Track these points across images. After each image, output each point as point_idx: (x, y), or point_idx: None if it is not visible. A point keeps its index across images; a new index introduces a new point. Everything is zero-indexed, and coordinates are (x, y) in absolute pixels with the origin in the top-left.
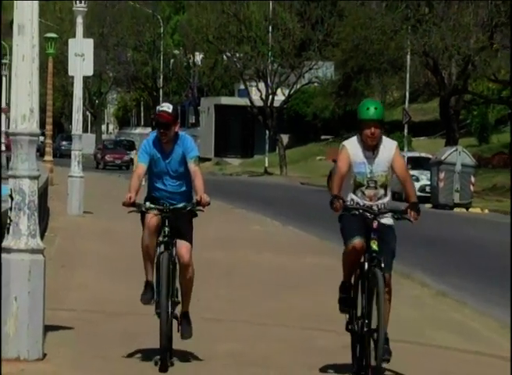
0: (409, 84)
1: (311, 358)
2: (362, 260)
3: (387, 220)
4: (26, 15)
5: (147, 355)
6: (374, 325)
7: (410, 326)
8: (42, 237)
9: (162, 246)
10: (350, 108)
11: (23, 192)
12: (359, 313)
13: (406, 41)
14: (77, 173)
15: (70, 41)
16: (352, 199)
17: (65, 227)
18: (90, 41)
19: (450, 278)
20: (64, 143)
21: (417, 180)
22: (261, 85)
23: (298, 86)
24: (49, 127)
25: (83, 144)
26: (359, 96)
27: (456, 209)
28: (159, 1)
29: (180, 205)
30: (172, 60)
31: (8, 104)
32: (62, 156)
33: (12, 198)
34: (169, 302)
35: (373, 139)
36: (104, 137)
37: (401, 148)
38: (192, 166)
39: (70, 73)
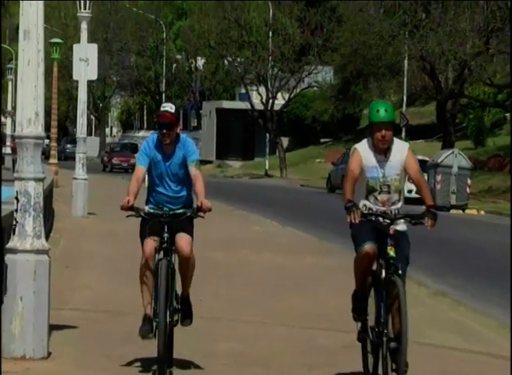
0: (406, 88)
1: (311, 357)
2: (374, 268)
3: (401, 226)
4: (31, 20)
5: (150, 354)
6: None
7: (409, 326)
8: (47, 238)
9: (161, 253)
10: (348, 111)
11: (28, 194)
12: (372, 322)
13: (403, 46)
14: (81, 176)
15: (75, 46)
16: (365, 205)
17: (69, 228)
18: (95, 46)
19: (449, 278)
20: (69, 146)
21: None
22: (262, 89)
23: (298, 90)
24: (54, 130)
25: (87, 147)
26: (357, 100)
27: (452, 211)
28: (162, 8)
29: (180, 211)
30: (174, 65)
31: (13, 108)
32: (67, 159)
33: (17, 200)
34: (168, 311)
35: (384, 142)
36: (108, 140)
37: None
38: (193, 170)
39: (75, 78)
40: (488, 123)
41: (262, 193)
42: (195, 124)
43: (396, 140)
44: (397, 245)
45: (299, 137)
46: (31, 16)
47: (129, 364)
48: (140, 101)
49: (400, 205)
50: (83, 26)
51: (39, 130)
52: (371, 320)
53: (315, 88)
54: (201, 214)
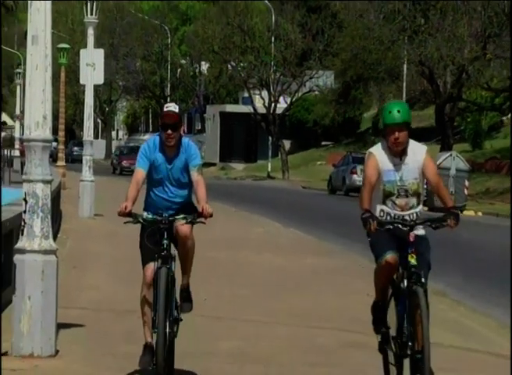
0: (406, 92)
1: (311, 356)
2: (395, 276)
3: (420, 231)
4: (39, 26)
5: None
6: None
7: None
8: (55, 238)
9: (160, 261)
10: (349, 115)
11: (36, 196)
12: (393, 332)
13: (403, 51)
14: (88, 178)
15: (82, 51)
16: (382, 210)
17: (76, 229)
18: (101, 52)
19: (448, 278)
20: (76, 149)
21: None
22: (264, 93)
23: (299, 94)
24: (61, 134)
25: (94, 149)
26: (358, 104)
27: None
28: (167, 14)
29: (180, 217)
30: (179, 69)
31: (22, 111)
32: (74, 161)
33: (26, 201)
34: (167, 321)
35: (398, 144)
36: (114, 143)
37: None
38: (195, 175)
39: (82, 82)
40: (485, 127)
41: (264, 194)
42: (199, 127)
43: (412, 142)
44: (418, 251)
45: (300, 140)
46: (39, 22)
47: (134, 362)
48: (146, 105)
49: (418, 208)
50: (90, 31)
51: (47, 133)
52: (392, 331)
53: (316, 92)
54: (202, 220)
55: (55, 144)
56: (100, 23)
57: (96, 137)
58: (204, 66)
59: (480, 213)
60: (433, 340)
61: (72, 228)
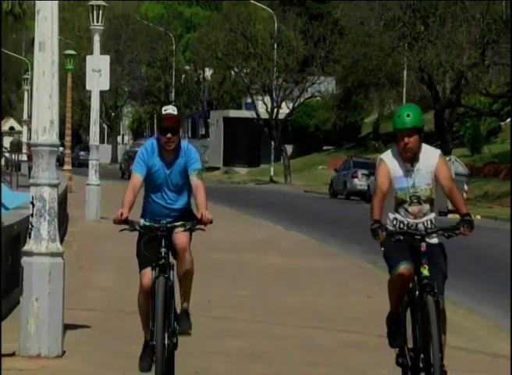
0: (405, 98)
1: (312, 355)
2: (411, 286)
3: (433, 239)
4: (46, 33)
5: None
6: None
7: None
8: (61, 241)
9: (158, 270)
10: (350, 120)
11: (43, 199)
12: (410, 344)
13: (402, 57)
14: (94, 182)
15: (88, 57)
16: (395, 218)
17: (83, 232)
18: (107, 58)
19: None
20: (82, 153)
21: None
22: (267, 99)
23: (301, 99)
24: (68, 138)
25: (99, 154)
26: (359, 109)
27: (450, 215)
28: (172, 21)
29: (178, 224)
30: (183, 75)
31: (29, 116)
32: (80, 166)
33: (33, 205)
34: (166, 332)
35: (407, 150)
36: (119, 148)
37: None
38: (194, 179)
39: (88, 88)
40: (484, 132)
41: (267, 198)
42: (203, 132)
43: (425, 146)
44: (432, 261)
45: (302, 144)
46: (46, 29)
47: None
48: (151, 111)
49: (432, 215)
50: (96, 38)
51: (54, 138)
52: (409, 343)
53: (318, 98)
54: (202, 226)
55: (61, 148)
56: (106, 30)
57: (102, 141)
58: (208, 72)
59: (479, 217)
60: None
61: (78, 231)
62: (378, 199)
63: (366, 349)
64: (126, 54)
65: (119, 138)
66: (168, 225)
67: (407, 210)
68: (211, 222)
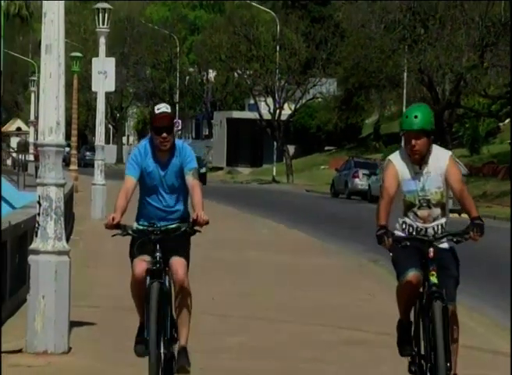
0: (406, 99)
1: (315, 351)
2: (422, 290)
3: (444, 244)
4: (53, 36)
5: None
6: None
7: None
8: (68, 239)
9: (152, 275)
10: (351, 121)
11: (50, 199)
12: (422, 351)
13: (403, 59)
14: (100, 181)
15: (94, 59)
16: (404, 222)
17: (89, 231)
18: (112, 60)
19: None
20: (88, 153)
21: None
22: (270, 100)
23: (303, 101)
24: (74, 139)
25: (105, 154)
26: (360, 110)
27: (449, 214)
28: (176, 24)
29: (173, 226)
30: (187, 77)
31: (36, 117)
32: (86, 166)
33: (40, 204)
34: (162, 341)
35: (414, 152)
36: (124, 148)
37: None
38: (190, 179)
39: (94, 89)
40: (482, 132)
41: (270, 198)
42: (207, 133)
43: (436, 148)
44: (441, 266)
45: (304, 145)
46: (53, 32)
47: (145, 358)
48: None
49: (443, 220)
50: (102, 41)
51: (60, 138)
52: (422, 350)
53: (320, 99)
54: (198, 228)
55: (67, 149)
56: (111, 32)
57: (107, 142)
58: (212, 74)
59: None
60: None
61: (84, 230)
62: (385, 203)
63: (367, 346)
64: (131, 56)
65: (124, 139)
66: (163, 228)
67: (416, 214)
68: (207, 223)
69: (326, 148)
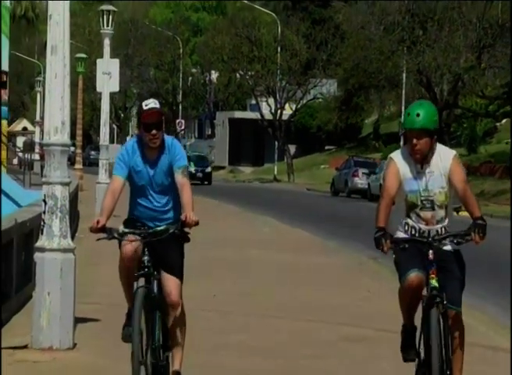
0: (404, 100)
1: (315, 348)
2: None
3: (447, 246)
4: (58, 37)
5: None
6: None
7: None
8: (73, 237)
9: (140, 280)
10: (351, 121)
11: (55, 197)
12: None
13: (402, 60)
14: (104, 180)
15: (98, 60)
16: (406, 223)
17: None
18: (116, 61)
19: None
20: (92, 153)
21: None
22: (271, 100)
23: (304, 101)
24: (79, 138)
25: (109, 153)
26: (359, 110)
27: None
28: (179, 25)
29: (161, 228)
30: (190, 78)
31: (42, 117)
32: (91, 165)
33: (45, 203)
34: (148, 350)
35: (416, 152)
36: None
37: None
38: (179, 178)
39: (98, 90)
40: (480, 132)
41: (271, 196)
42: (209, 133)
43: (440, 147)
44: (445, 268)
45: (305, 144)
46: (58, 34)
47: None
48: None
49: (446, 222)
50: (106, 42)
51: (65, 138)
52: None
53: (320, 99)
54: (187, 230)
55: (72, 148)
56: (115, 34)
57: (112, 141)
58: (214, 75)
59: None
60: None
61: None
62: (385, 204)
63: (367, 343)
64: (135, 57)
65: (128, 138)
66: (150, 230)
67: (418, 215)
68: (196, 224)
69: (326, 147)
